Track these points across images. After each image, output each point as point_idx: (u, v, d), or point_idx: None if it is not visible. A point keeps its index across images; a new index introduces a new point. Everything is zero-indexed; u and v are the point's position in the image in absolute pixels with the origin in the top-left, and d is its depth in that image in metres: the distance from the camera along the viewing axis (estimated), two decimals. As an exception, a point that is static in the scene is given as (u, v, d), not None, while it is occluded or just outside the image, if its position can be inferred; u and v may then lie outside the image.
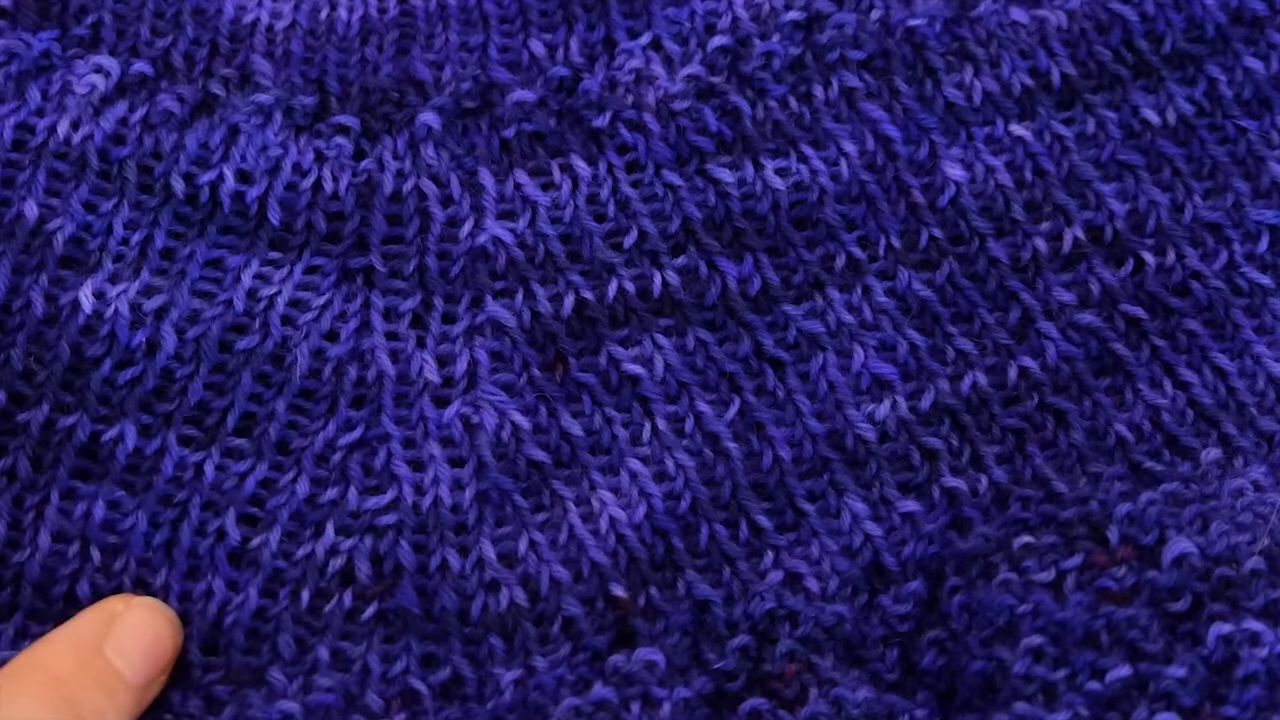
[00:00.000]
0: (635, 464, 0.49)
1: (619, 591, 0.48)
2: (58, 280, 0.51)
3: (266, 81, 0.52)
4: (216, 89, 0.52)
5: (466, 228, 0.51)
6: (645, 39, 0.53)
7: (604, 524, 0.49)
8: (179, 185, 0.51)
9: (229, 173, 0.51)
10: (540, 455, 0.49)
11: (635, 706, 0.46)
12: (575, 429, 0.50)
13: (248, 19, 0.53)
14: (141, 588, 0.49)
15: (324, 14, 0.54)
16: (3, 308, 0.50)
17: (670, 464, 0.49)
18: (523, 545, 0.49)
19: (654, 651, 0.47)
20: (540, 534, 0.49)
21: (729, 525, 0.49)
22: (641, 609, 0.48)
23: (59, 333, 0.50)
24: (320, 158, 0.52)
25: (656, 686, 0.46)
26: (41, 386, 0.50)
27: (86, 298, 0.50)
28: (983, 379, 0.50)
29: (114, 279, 0.51)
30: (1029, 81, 0.52)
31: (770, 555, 0.49)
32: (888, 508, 0.49)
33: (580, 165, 0.52)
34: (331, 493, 0.49)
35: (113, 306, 0.50)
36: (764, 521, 0.49)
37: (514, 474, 0.49)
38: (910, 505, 0.49)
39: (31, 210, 0.51)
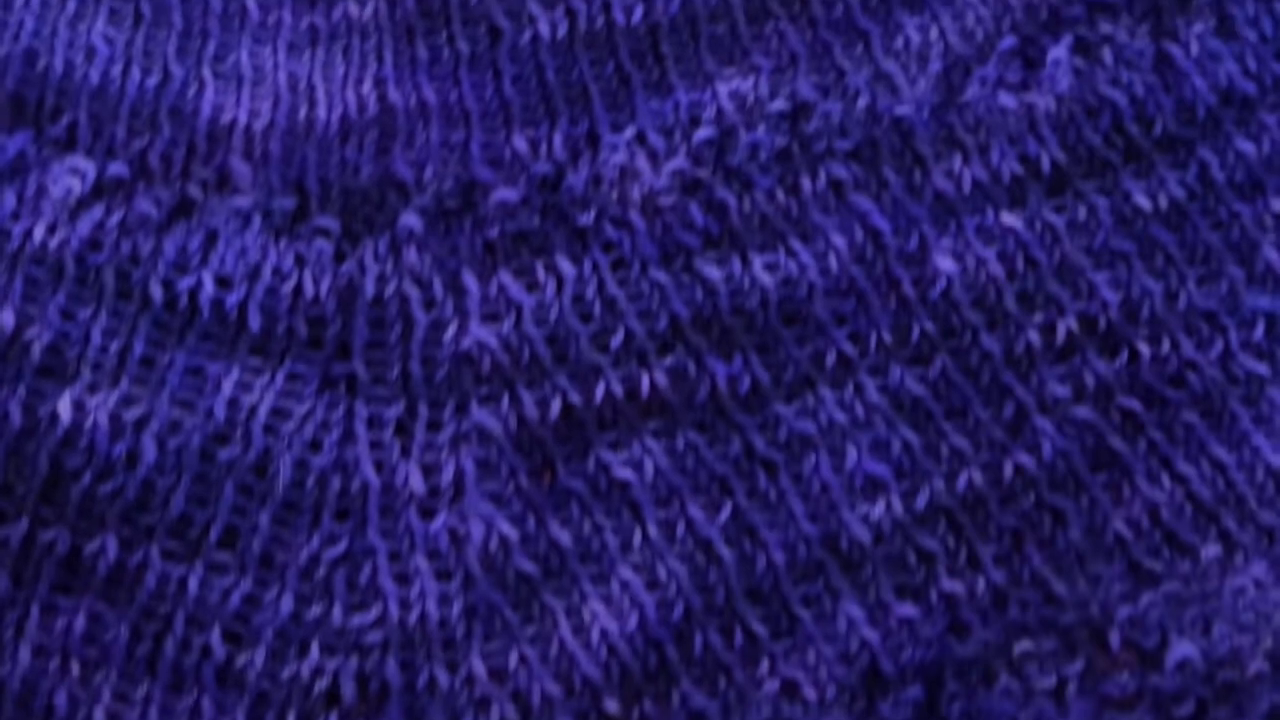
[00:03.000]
0: (626, 572, 0.49)
1: (613, 707, 0.48)
2: (36, 391, 0.50)
3: (245, 184, 0.52)
4: (194, 192, 0.51)
5: (450, 331, 0.50)
6: (629, 132, 0.52)
7: (595, 636, 0.48)
8: (158, 292, 0.50)
9: (208, 278, 0.50)
10: (529, 566, 0.49)
11: None
12: (564, 538, 0.49)
13: (225, 119, 0.53)
14: (121, 701, 0.48)
15: (303, 113, 0.53)
16: None
17: (662, 571, 0.49)
18: (513, 660, 0.48)
19: None
20: (530, 648, 0.48)
21: (723, 633, 0.48)
22: None
23: (37, 445, 0.49)
24: (300, 261, 0.51)
25: None
26: (21, 500, 0.49)
27: (65, 409, 0.49)
28: (978, 477, 0.49)
29: (93, 389, 0.50)
30: (1018, 169, 0.52)
31: (766, 663, 0.48)
32: (885, 612, 0.48)
33: (565, 265, 0.51)
34: (316, 609, 0.48)
35: (92, 417, 0.49)
36: (759, 628, 0.48)
37: (503, 586, 0.48)
38: (907, 609, 0.48)
39: (8, 318, 0.50)
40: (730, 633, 0.48)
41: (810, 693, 0.48)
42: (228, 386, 0.50)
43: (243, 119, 0.53)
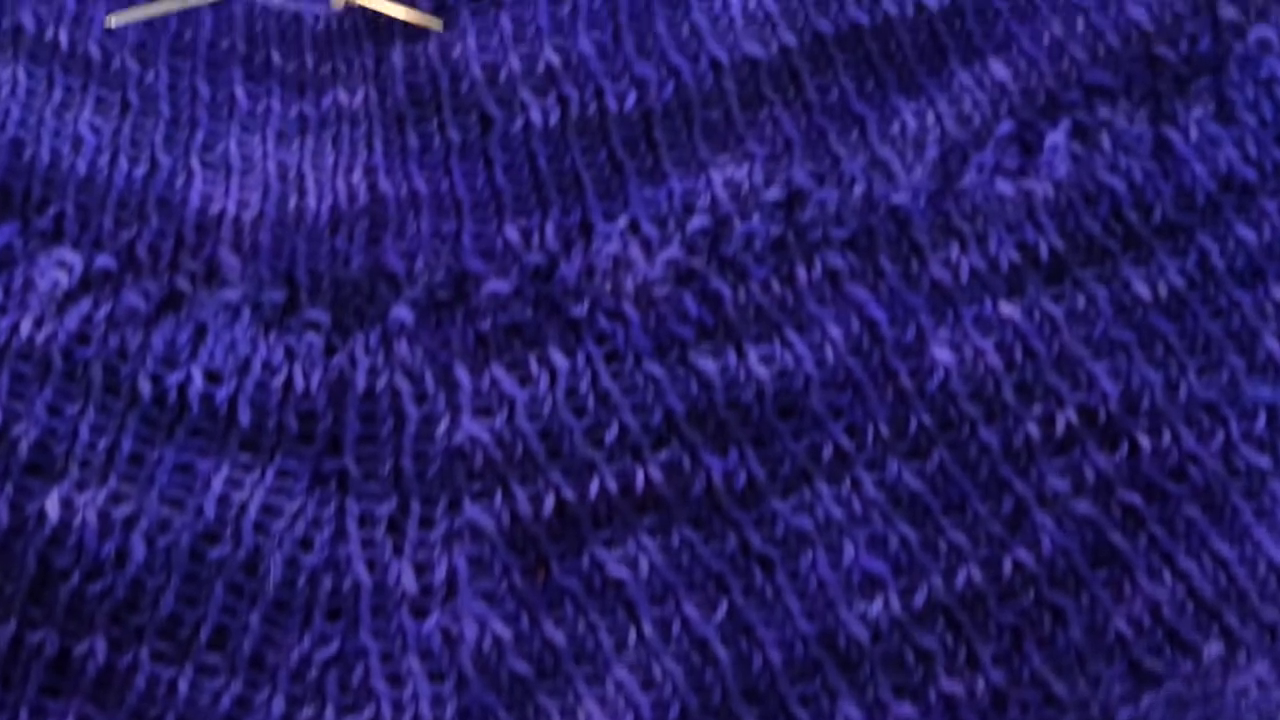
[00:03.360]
0: (621, 672, 0.48)
1: None
2: (23, 489, 0.49)
3: (234, 276, 0.51)
4: (183, 285, 0.51)
5: (442, 426, 0.50)
6: (622, 222, 0.52)
7: None
8: (146, 387, 0.50)
9: (197, 373, 0.50)
10: (523, 667, 0.48)
11: None
12: (559, 638, 0.48)
13: (214, 209, 0.52)
14: None
15: (292, 203, 0.52)
16: None
17: (658, 671, 0.48)
18: None
19: None
20: None
21: None
22: None
23: (25, 544, 0.49)
24: (290, 355, 0.50)
25: None
26: (8, 601, 0.48)
27: (53, 507, 0.49)
28: (977, 574, 0.49)
29: (81, 486, 0.49)
30: (1016, 257, 0.51)
31: None
32: (883, 712, 0.48)
33: (558, 358, 0.50)
34: (308, 711, 0.48)
35: (80, 516, 0.49)
36: None
37: (496, 688, 0.48)
38: (906, 710, 0.48)
39: None
40: None
41: None
42: (217, 483, 0.49)
43: (231, 209, 0.52)
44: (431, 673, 0.48)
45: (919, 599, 0.49)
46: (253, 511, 0.49)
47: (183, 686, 0.48)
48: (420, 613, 0.48)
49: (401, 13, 0.53)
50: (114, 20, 0.54)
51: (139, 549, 0.49)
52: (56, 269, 0.51)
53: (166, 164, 0.53)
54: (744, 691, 0.48)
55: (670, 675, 0.48)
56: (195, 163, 0.53)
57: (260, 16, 0.54)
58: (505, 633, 0.48)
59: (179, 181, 0.53)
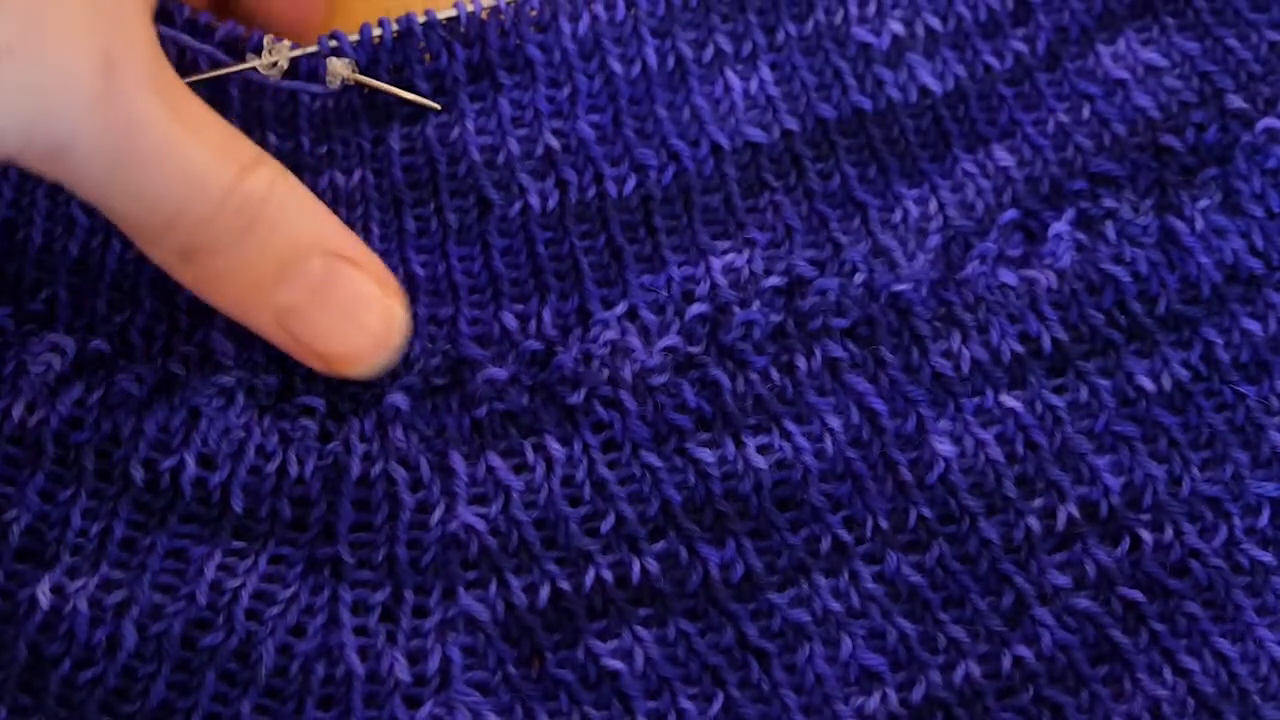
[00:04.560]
0: None
1: None
2: (14, 575, 0.49)
3: (228, 361, 0.51)
4: (176, 368, 0.50)
5: (437, 514, 0.49)
6: (621, 309, 0.51)
7: None
8: (138, 473, 0.49)
9: (190, 459, 0.49)
10: None
11: None
12: None
13: None
14: None
15: None
16: None
17: None
18: None
19: None
20: None
21: None
22: None
23: (16, 631, 0.48)
24: (285, 440, 0.50)
25: None
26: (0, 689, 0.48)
27: (44, 594, 0.48)
28: (976, 669, 0.48)
29: (72, 573, 0.49)
30: (1019, 348, 0.51)
31: None
32: None
33: (554, 446, 0.50)
34: None
35: (71, 603, 0.48)
36: None
37: None
38: None
39: None
40: None
41: None
42: (210, 570, 0.49)
43: None
44: None
45: (917, 694, 0.48)
46: (245, 599, 0.49)
47: None
48: (413, 703, 0.48)
49: (401, 94, 0.53)
50: None
51: (130, 636, 0.48)
52: (49, 353, 0.51)
53: None
54: None
55: None
56: None
57: (257, 95, 0.53)
58: None
59: None
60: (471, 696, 0.48)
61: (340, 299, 0.48)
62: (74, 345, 0.50)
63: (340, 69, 0.53)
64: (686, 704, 0.48)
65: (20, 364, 0.50)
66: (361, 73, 0.53)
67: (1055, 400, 0.50)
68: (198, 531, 0.49)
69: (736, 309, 0.51)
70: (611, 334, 0.51)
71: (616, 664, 0.48)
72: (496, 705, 0.48)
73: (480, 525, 0.49)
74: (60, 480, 0.50)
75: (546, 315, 0.51)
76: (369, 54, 0.53)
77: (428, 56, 0.52)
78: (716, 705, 0.48)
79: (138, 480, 0.49)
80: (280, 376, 0.51)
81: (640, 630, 0.48)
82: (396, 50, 0.53)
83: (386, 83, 0.53)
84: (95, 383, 0.50)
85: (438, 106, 0.53)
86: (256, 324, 0.48)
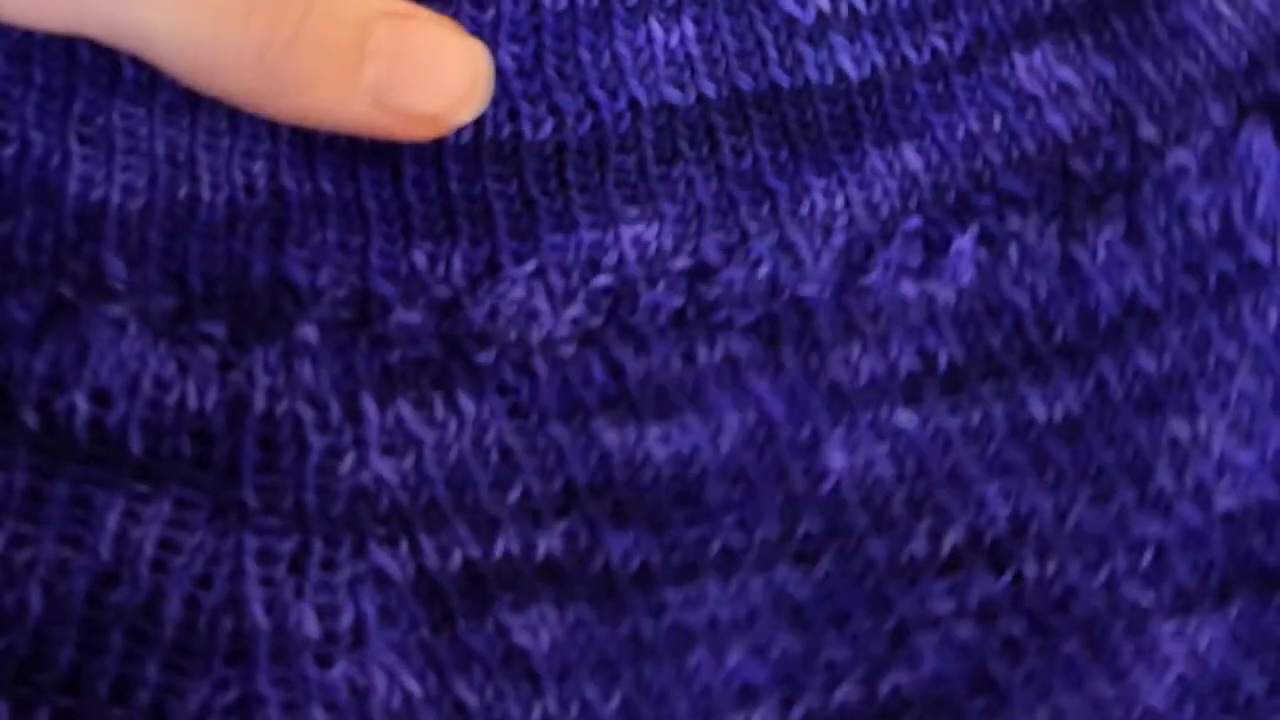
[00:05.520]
0: None
1: None
2: None
3: (120, 281, 0.46)
4: (67, 292, 0.46)
5: (348, 462, 0.46)
6: (530, 265, 0.48)
7: None
8: (31, 417, 0.45)
9: (82, 397, 0.45)
10: None
11: None
12: (471, 701, 0.45)
13: (95, 196, 0.47)
14: None
15: (184, 191, 0.48)
16: None
17: None
18: None
19: None
20: None
21: None
22: None
23: None
24: (183, 369, 0.46)
25: None
26: None
27: None
28: (854, 693, 0.47)
29: None
30: (916, 364, 0.49)
31: None
32: None
33: (466, 403, 0.47)
34: None
35: None
36: None
37: None
38: None
39: None
40: None
41: None
42: (113, 519, 0.45)
43: (115, 197, 0.47)
44: None
45: (796, 714, 0.47)
46: (149, 549, 0.45)
47: None
48: (325, 661, 0.45)
49: None
50: None
51: (37, 599, 0.45)
52: None
53: (40, 141, 0.48)
54: None
55: None
56: (73, 140, 0.48)
57: None
58: (417, 690, 0.46)
59: (54, 161, 0.47)
60: (388, 658, 0.45)
61: (422, 52, 0.46)
62: None
63: None
64: (591, 693, 0.46)
65: None
66: None
67: (948, 421, 0.49)
68: (99, 475, 0.46)
69: (642, 286, 0.49)
70: (519, 293, 0.48)
71: (525, 640, 0.46)
72: (413, 669, 0.45)
73: (393, 478, 0.47)
74: None
75: (456, 260, 0.48)
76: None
77: None
78: (615, 700, 0.46)
79: (31, 424, 0.45)
80: (177, 299, 0.47)
81: (547, 608, 0.47)
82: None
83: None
84: None
85: None
86: (353, 113, 0.45)
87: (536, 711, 0.46)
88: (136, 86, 0.48)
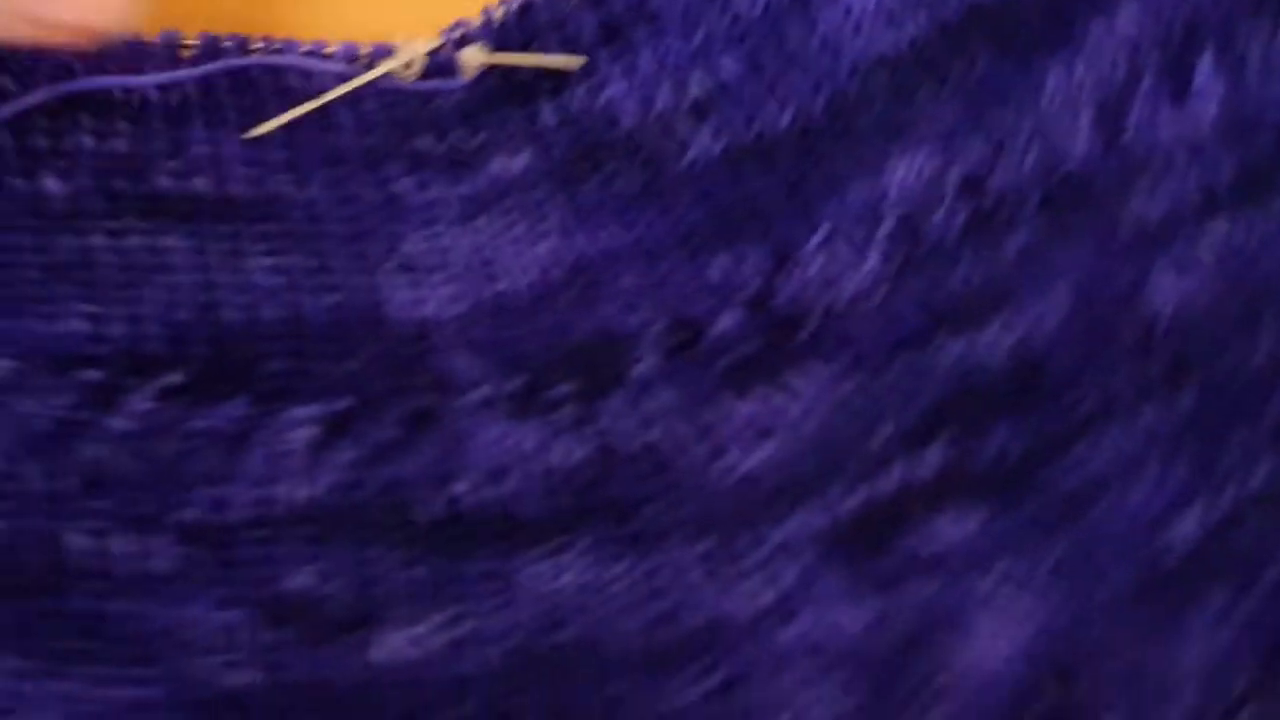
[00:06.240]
0: (984, 619, 0.49)
1: None
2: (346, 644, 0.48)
3: (467, 378, 0.50)
4: (424, 402, 0.50)
5: (716, 470, 0.50)
6: (817, 238, 0.51)
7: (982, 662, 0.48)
8: (422, 515, 0.49)
9: (464, 486, 0.49)
10: (895, 637, 0.49)
11: None
12: (908, 608, 0.49)
13: (418, 317, 0.51)
14: None
15: (496, 287, 0.51)
16: None
17: (1021, 609, 0.49)
18: None
19: None
20: None
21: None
22: None
23: None
24: (547, 435, 0.50)
25: None
26: None
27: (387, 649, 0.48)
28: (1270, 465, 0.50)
29: (409, 622, 0.49)
30: (1197, 193, 0.52)
31: None
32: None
33: (800, 383, 0.50)
34: None
35: (423, 650, 0.48)
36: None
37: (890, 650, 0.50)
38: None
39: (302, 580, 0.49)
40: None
41: None
42: (527, 579, 0.48)
43: (435, 312, 0.50)
44: (813, 672, 0.48)
45: (1224, 503, 0.49)
46: (581, 593, 0.48)
47: None
48: (785, 618, 0.49)
49: (542, 60, 0.52)
50: (254, 132, 0.51)
51: (491, 662, 0.48)
52: (299, 427, 0.48)
53: (355, 285, 0.50)
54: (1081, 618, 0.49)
55: (1035, 610, 0.48)
56: (381, 275, 0.50)
57: (394, 104, 0.51)
58: (872, 605, 0.49)
59: (374, 299, 0.50)
60: (830, 603, 0.49)
61: None
62: (318, 411, 0.49)
63: (473, 57, 0.51)
64: (1019, 571, 0.49)
65: (272, 447, 0.49)
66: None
67: (1255, 228, 0.51)
68: (508, 549, 0.49)
69: (923, 217, 0.51)
70: (815, 267, 0.51)
71: (937, 548, 0.50)
72: (851, 600, 0.49)
73: (761, 470, 0.49)
74: (361, 543, 0.49)
75: (750, 259, 0.51)
76: (495, 36, 0.51)
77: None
78: (1044, 567, 0.48)
79: (421, 521, 0.49)
80: (525, 377, 0.49)
81: (949, 516, 0.49)
82: (523, 25, 0.51)
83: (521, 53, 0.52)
84: (353, 442, 0.49)
85: (581, 60, 0.52)
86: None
87: (978, 591, 0.49)
88: (421, 210, 0.51)
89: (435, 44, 0.51)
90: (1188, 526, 0.49)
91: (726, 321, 0.50)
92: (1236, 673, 0.48)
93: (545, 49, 0.51)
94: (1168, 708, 0.48)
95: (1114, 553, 0.49)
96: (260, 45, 0.51)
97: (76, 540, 0.47)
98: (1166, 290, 0.51)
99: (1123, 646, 0.48)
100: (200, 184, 0.50)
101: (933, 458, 0.50)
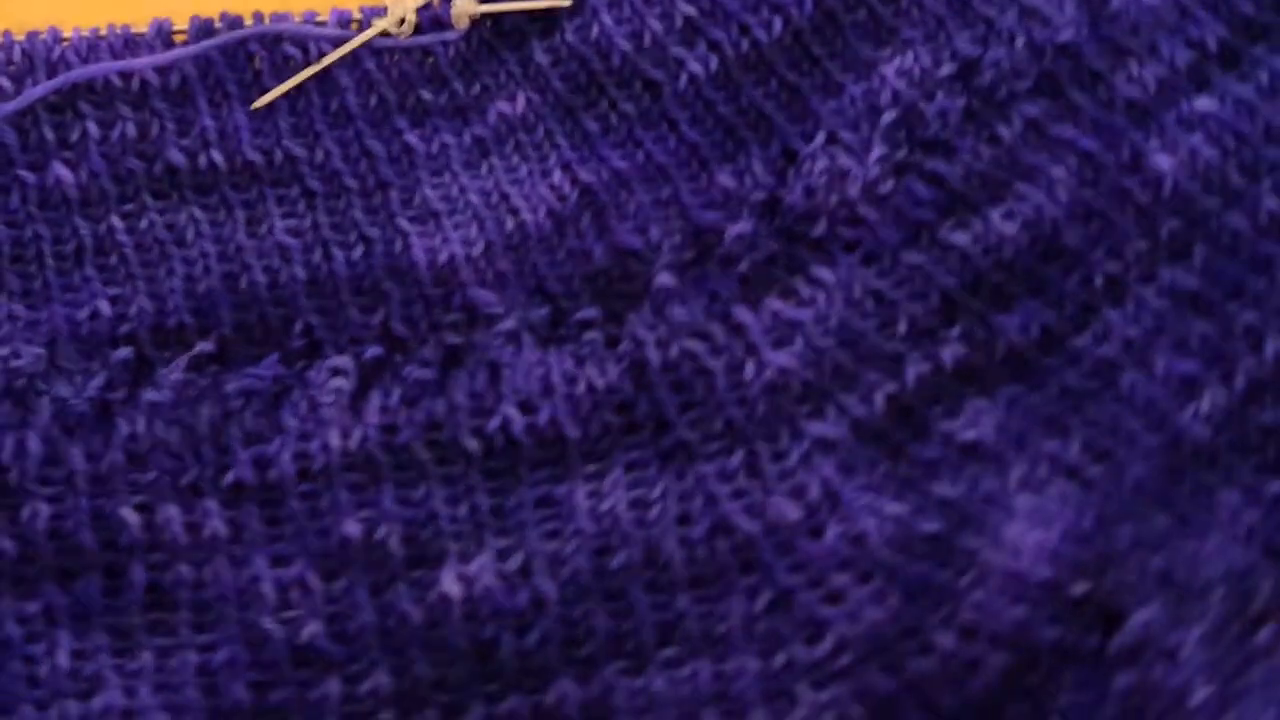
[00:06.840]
0: (1024, 500, 0.49)
1: None
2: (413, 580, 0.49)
3: (495, 310, 0.51)
4: (454, 338, 0.52)
5: (750, 369, 0.50)
6: (820, 138, 0.52)
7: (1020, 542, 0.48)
8: (473, 443, 0.50)
9: (513, 411, 0.50)
10: (933, 526, 0.49)
11: None
12: (951, 494, 0.49)
13: (443, 259, 0.52)
14: None
15: (511, 223, 0.52)
16: None
17: (1049, 502, 0.48)
18: None
19: None
20: None
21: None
22: None
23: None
24: (580, 360, 0.51)
25: None
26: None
27: (451, 583, 0.49)
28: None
29: (465, 558, 0.49)
30: (1189, 55, 0.52)
31: None
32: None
33: (823, 273, 0.51)
34: None
35: (481, 583, 0.49)
36: None
37: (915, 555, 0.49)
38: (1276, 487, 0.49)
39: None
40: None
41: None
42: (580, 500, 0.49)
43: (460, 252, 0.51)
44: (857, 577, 0.48)
45: (1240, 383, 0.49)
46: (629, 512, 0.48)
47: None
48: (816, 533, 0.49)
49: (527, 5, 0.53)
50: (259, 102, 0.52)
51: (549, 590, 0.48)
52: (333, 378, 0.49)
53: (377, 235, 0.51)
54: (1109, 517, 0.48)
55: (1064, 505, 0.48)
56: (403, 222, 0.51)
57: (392, 61, 0.53)
58: (900, 511, 0.49)
59: (397, 247, 0.51)
60: (864, 499, 0.49)
61: None
62: (351, 360, 0.51)
63: (464, 9, 0.53)
64: (1051, 448, 0.49)
65: (311, 400, 0.50)
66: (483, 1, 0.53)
67: (1242, 91, 0.52)
68: (552, 473, 0.50)
69: (924, 104, 0.52)
70: (822, 163, 0.52)
71: (970, 435, 0.49)
72: (889, 496, 0.49)
73: (793, 364, 0.50)
74: (409, 484, 0.50)
75: (756, 166, 0.52)
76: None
77: None
78: (1075, 446, 0.49)
79: (473, 449, 0.50)
80: (548, 305, 0.51)
81: (978, 403, 0.49)
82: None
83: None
84: (391, 385, 0.51)
85: (567, 1, 0.53)
86: None
87: (1008, 481, 0.49)
88: (431, 158, 0.53)
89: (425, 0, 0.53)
90: (1215, 396, 0.49)
91: (740, 228, 0.51)
92: (1260, 579, 0.48)
93: None
94: (1195, 609, 0.48)
95: (1143, 426, 0.49)
96: (253, 20, 0.53)
97: (127, 515, 0.48)
98: (1165, 159, 0.51)
99: (1151, 543, 0.48)
100: (215, 156, 0.52)
101: (955, 344, 0.50)
